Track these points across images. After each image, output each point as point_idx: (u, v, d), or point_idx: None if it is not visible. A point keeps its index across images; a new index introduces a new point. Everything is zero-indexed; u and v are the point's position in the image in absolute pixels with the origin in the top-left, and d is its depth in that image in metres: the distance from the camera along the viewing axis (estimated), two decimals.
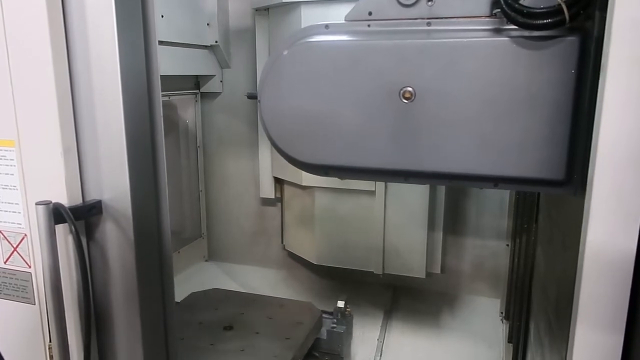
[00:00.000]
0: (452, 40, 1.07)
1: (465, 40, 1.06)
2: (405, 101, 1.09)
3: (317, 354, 2.17)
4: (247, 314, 2.20)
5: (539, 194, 1.80)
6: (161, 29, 2.54)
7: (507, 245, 2.69)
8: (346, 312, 2.20)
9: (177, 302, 2.33)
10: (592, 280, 0.87)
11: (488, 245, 2.79)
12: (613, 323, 0.88)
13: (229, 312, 2.21)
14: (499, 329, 2.64)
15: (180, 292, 2.74)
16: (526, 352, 1.96)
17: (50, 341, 1.11)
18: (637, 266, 0.84)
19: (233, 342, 1.98)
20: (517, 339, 2.16)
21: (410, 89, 1.08)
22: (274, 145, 1.24)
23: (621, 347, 0.89)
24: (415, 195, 2.57)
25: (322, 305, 2.78)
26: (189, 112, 3.23)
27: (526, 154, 1.03)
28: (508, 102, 1.02)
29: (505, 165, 1.05)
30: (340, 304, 2.24)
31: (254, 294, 2.55)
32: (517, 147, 1.03)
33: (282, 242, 3.19)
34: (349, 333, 2.23)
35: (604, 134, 0.82)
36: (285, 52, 1.19)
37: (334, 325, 2.17)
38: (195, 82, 3.21)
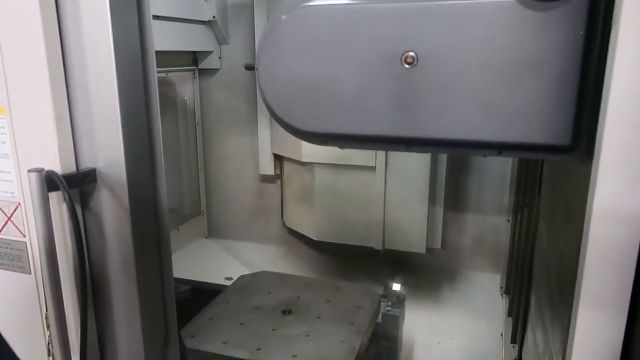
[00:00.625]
0: (455, 2, 1.03)
1: (469, 2, 1.02)
2: (407, 66, 1.05)
3: (371, 338, 2.08)
4: (304, 298, 2.13)
5: (542, 166, 1.78)
6: (156, 3, 2.49)
7: (508, 220, 2.68)
8: (401, 295, 2.13)
9: (225, 286, 2.28)
10: (597, 247, 0.86)
11: (489, 221, 2.78)
12: (619, 291, 0.86)
13: (283, 295, 2.15)
14: (499, 304, 2.65)
15: (181, 269, 2.75)
16: (526, 325, 1.97)
17: (46, 310, 1.10)
18: None
19: (295, 327, 1.92)
20: (517, 313, 2.16)
21: (412, 53, 1.05)
22: (272, 113, 1.21)
23: (626, 317, 0.88)
24: (416, 171, 2.55)
25: None
26: (187, 89, 3.19)
27: (531, 119, 1.00)
28: (513, 65, 0.99)
29: (510, 131, 1.02)
30: (396, 286, 2.17)
31: (306, 277, 2.48)
32: (523, 112, 1.00)
33: (282, 218, 3.18)
34: (403, 316, 2.13)
35: (614, 93, 0.79)
36: (284, 17, 1.15)
37: (389, 308, 2.07)
38: (193, 59, 3.16)
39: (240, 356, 1.71)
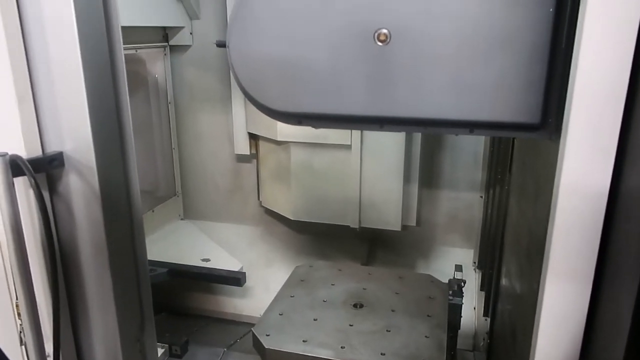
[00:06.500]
0: None
1: None
2: (380, 44, 1.05)
3: None
4: (370, 290, 2.04)
5: (513, 143, 1.81)
6: None
7: (481, 197, 2.73)
8: (461, 283, 2.05)
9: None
10: (564, 221, 0.88)
11: (462, 198, 2.83)
12: (584, 263, 0.89)
13: (348, 287, 2.06)
14: (472, 278, 2.72)
15: (157, 252, 2.72)
16: (497, 297, 2.03)
17: (17, 299, 1.08)
18: (610, 202, 0.85)
19: (372, 322, 1.82)
20: (489, 286, 2.22)
21: (385, 30, 1.04)
22: (245, 92, 1.19)
23: (590, 287, 0.91)
24: (391, 149, 2.56)
25: (300, 260, 2.80)
26: (158, 66, 3.11)
27: (503, 97, 1.01)
28: (485, 44, 0.99)
29: (482, 110, 1.03)
30: (459, 275, 2.13)
31: (361, 266, 2.37)
32: (494, 90, 1.01)
33: (258, 198, 3.17)
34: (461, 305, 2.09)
35: (581, 70, 0.80)
36: None
37: (451, 297, 2.01)
38: (164, 35, 3.07)
39: (326, 356, 1.63)
